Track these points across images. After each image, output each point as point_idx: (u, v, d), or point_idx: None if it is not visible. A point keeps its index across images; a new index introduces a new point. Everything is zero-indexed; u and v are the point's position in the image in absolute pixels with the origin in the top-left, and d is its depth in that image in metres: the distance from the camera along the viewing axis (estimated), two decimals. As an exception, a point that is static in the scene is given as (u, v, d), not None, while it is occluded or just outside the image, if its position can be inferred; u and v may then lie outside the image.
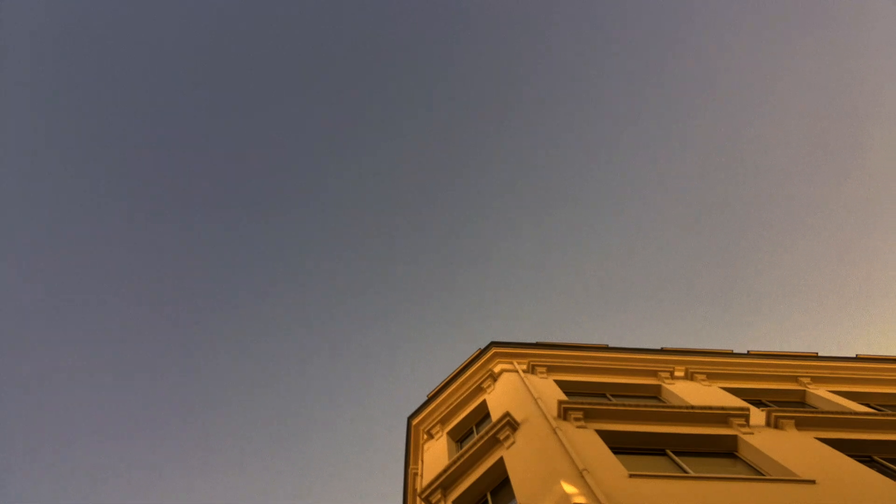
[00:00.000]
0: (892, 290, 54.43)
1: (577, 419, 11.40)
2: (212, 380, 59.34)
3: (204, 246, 56.47)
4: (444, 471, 11.30)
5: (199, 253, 56.30)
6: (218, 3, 49.16)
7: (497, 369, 15.62)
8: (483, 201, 60.16)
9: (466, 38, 53.83)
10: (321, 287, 62.31)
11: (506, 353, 16.18)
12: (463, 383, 16.00)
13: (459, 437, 14.49)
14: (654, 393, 15.24)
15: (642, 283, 60.58)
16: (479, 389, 15.09)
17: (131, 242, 52.84)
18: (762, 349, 17.13)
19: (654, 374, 15.70)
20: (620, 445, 11.12)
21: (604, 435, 11.07)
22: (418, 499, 12.71)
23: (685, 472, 10.09)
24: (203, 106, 52.59)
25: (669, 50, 52.12)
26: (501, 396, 13.84)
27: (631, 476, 9.05)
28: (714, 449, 11.12)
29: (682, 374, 16.05)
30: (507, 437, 11.33)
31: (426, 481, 12.91)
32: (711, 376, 15.94)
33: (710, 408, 11.60)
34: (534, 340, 17.53)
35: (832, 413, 11.98)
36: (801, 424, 11.87)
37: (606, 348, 16.39)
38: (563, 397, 13.34)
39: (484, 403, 14.43)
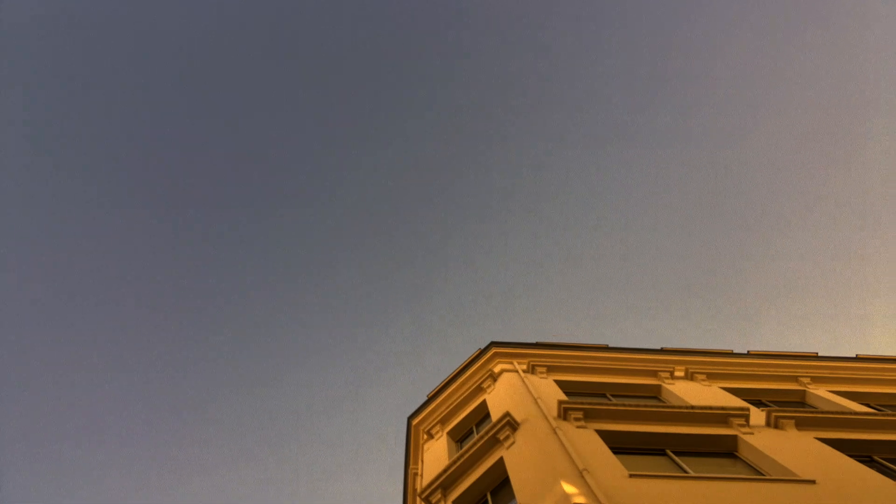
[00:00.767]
0: (892, 289, 54.43)
1: (577, 419, 11.39)
2: (212, 379, 59.36)
3: (203, 246, 56.49)
4: (445, 471, 11.30)
5: (198, 253, 56.32)
6: (220, 2, 49.19)
7: (497, 369, 15.61)
8: (483, 201, 60.19)
9: (466, 38, 53.87)
10: (321, 287, 62.32)
11: (506, 353, 16.17)
12: (463, 383, 16.00)
13: (459, 437, 14.48)
14: (654, 393, 15.24)
15: (642, 283, 60.58)
16: (479, 389, 15.09)
17: (131, 242, 52.86)
18: (762, 349, 17.13)
19: (654, 374, 15.69)
20: (620, 445, 11.12)
21: (604, 435, 11.07)
22: (418, 499, 12.71)
23: (685, 472, 10.09)
24: (203, 106, 52.61)
25: (667, 49, 52.15)
26: (501, 396, 13.84)
27: (631, 476, 9.05)
28: (714, 449, 11.11)
29: (682, 374, 16.05)
30: (507, 437, 11.32)
31: (426, 481, 12.90)
32: (711, 376, 15.93)
33: (710, 408, 11.60)
34: (534, 340, 17.53)
35: (832, 413, 11.98)
36: (801, 424, 11.87)
37: (606, 348, 16.38)
38: (563, 397, 13.34)
39: (484, 403, 14.43)
